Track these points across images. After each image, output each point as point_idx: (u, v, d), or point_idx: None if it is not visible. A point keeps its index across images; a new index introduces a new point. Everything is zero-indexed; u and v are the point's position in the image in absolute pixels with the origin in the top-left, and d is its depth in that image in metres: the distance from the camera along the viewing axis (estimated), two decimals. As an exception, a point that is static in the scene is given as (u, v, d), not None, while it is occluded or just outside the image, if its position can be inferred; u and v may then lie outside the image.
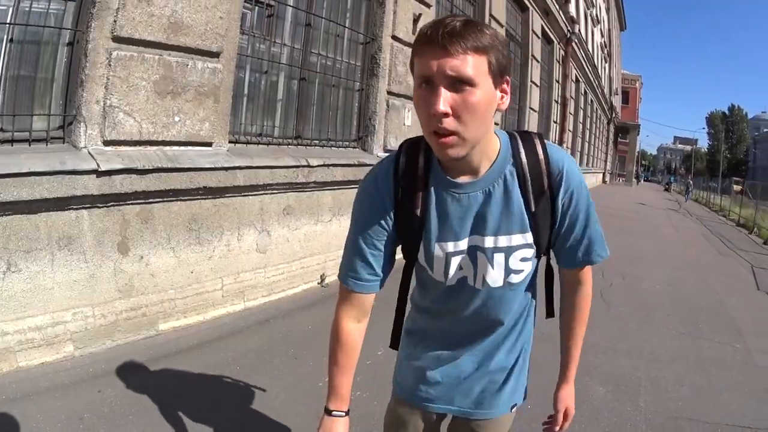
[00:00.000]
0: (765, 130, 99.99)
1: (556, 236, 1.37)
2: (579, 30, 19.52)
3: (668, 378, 4.47)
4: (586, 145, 30.31)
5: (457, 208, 1.28)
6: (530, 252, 1.33)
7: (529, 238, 1.30)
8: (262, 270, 4.74)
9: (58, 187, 3.19)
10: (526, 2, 13.28)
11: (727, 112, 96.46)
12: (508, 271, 1.33)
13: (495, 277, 1.33)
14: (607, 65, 38.96)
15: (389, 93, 6.69)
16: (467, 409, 1.57)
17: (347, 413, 1.41)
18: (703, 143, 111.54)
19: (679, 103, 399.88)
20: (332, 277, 5.59)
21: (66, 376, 3.22)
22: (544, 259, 1.45)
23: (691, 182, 43.22)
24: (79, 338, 3.44)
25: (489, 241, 1.29)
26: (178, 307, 4.05)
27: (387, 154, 4.79)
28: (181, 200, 3.95)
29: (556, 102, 17.98)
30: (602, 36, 34.86)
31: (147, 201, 3.75)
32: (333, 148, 5.95)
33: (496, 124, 1.84)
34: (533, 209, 1.28)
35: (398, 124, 6.92)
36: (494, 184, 1.26)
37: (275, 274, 4.89)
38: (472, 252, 1.32)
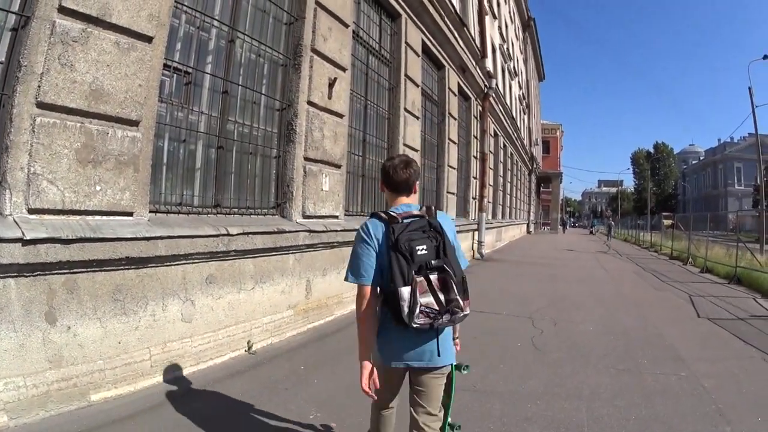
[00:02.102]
0: (693, 162, 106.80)
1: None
2: (496, 84, 20.74)
3: (612, 414, 4.68)
4: (508, 197, 31.67)
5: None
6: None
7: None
8: (188, 339, 4.89)
9: (-16, 255, 3.33)
10: (443, 60, 14.21)
11: (651, 150, 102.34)
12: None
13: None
14: (526, 117, 41.31)
15: (306, 159, 7.01)
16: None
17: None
18: (630, 183, 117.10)
19: (603, 147, 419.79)
20: (260, 344, 5.81)
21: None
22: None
23: (612, 222, 45.70)
24: (12, 408, 3.52)
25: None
26: (108, 377, 4.13)
27: (306, 221, 5.12)
28: (105, 270, 4.08)
29: (475, 158, 18.92)
30: (520, 88, 37.17)
31: (72, 271, 3.88)
32: (252, 215, 6.22)
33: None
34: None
35: (316, 189, 7.22)
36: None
37: (202, 343, 5.04)
38: None
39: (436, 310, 2.50)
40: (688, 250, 21.43)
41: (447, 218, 2.91)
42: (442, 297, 2.52)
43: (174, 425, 3.86)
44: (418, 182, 2.91)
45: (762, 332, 8.16)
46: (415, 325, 2.48)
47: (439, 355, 2.69)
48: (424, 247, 2.58)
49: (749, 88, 26.99)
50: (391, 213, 2.72)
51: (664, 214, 46.13)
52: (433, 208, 2.80)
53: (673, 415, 4.70)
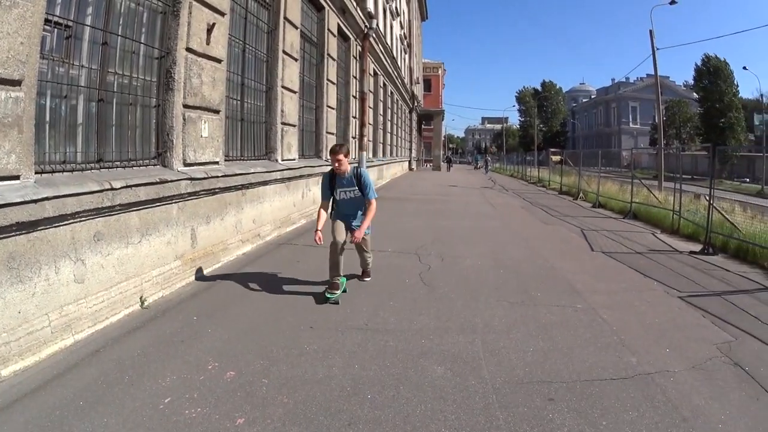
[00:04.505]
0: (584, 100, 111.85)
1: (362, 191, 6.82)
2: (377, 24, 20.98)
3: (509, 347, 4.93)
4: (389, 136, 32.28)
5: (341, 181, 6.78)
6: (357, 191, 6.82)
7: (356, 188, 6.81)
8: (83, 300, 5.00)
9: None
10: (323, 2, 14.35)
11: (539, 88, 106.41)
12: (354, 194, 6.87)
13: (351, 195, 6.86)
14: (407, 56, 41.93)
15: (185, 106, 7.14)
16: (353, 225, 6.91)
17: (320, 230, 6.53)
18: (515, 121, 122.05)
19: (488, 87, 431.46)
20: (151, 298, 6.07)
21: None
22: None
23: (488, 157, 48.48)
24: None
25: (348, 188, 6.84)
26: (14, 350, 4.19)
27: (188, 168, 5.59)
28: None
29: (355, 97, 19.30)
30: (402, 28, 37.49)
31: None
32: (135, 168, 6.32)
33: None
34: (356, 183, 6.77)
35: (196, 136, 7.41)
36: (348, 177, 6.77)
37: (96, 303, 5.19)
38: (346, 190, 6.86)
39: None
40: (578, 186, 22.35)
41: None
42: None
43: (82, 389, 3.98)
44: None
45: (662, 266, 8.82)
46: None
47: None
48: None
49: (650, 31, 29.26)
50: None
51: (552, 150, 48.05)
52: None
53: (573, 346, 5.01)
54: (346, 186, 6.74)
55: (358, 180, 6.73)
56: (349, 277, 7.05)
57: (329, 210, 6.93)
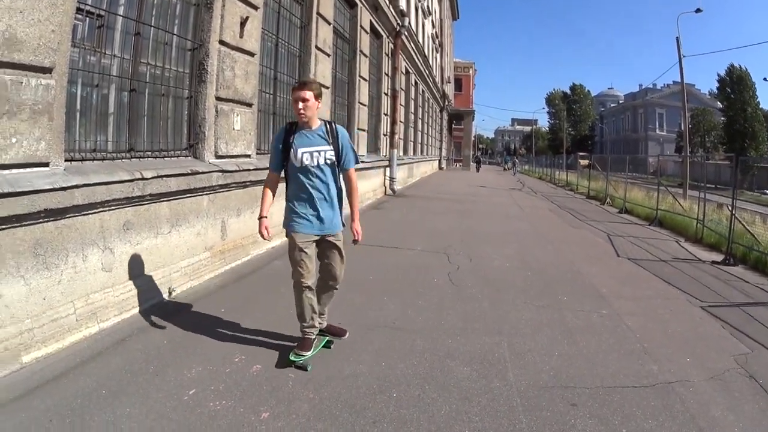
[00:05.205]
0: (612, 105, 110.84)
1: (339, 154, 4.43)
2: (409, 22, 20.84)
3: (534, 350, 4.87)
4: (419, 134, 32.17)
5: (305, 138, 4.35)
6: (331, 152, 4.36)
7: (330, 148, 4.38)
8: (110, 289, 4.97)
9: None
10: (356, -1, 14.17)
11: (568, 91, 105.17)
12: (325, 159, 4.34)
13: (321, 159, 4.32)
14: (438, 55, 41.68)
15: (218, 99, 7.09)
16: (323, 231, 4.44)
17: (267, 218, 4.42)
18: (544, 123, 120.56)
19: (518, 88, 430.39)
20: (179, 289, 6.01)
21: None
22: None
23: (516, 159, 48.48)
24: None
25: (318, 148, 4.34)
26: (37, 336, 4.15)
27: (219, 161, 5.42)
28: (25, 225, 4.04)
29: (386, 95, 19.19)
30: (433, 27, 37.37)
31: None
32: (166, 158, 6.30)
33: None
34: (329, 141, 4.38)
35: (228, 129, 7.35)
36: (318, 132, 4.38)
37: (123, 292, 5.16)
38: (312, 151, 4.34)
39: None
40: (605, 191, 22.14)
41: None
42: None
43: (105, 378, 3.93)
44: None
45: (686, 274, 8.65)
46: None
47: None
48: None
49: (677, 39, 28.45)
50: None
51: (580, 154, 47.77)
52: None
53: (596, 351, 4.92)
54: (313, 144, 4.34)
55: (334, 137, 4.43)
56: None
57: (277, 187, 4.68)
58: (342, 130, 4.55)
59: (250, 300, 5.99)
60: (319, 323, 4.65)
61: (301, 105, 4.26)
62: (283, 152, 4.36)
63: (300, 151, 4.29)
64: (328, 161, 4.35)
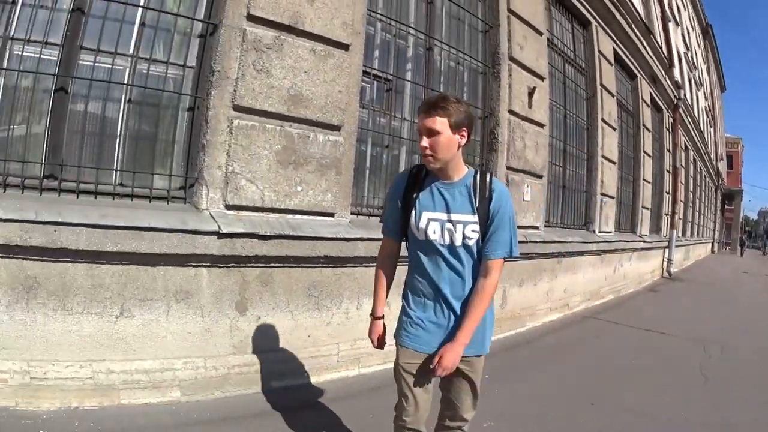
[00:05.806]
0: None
1: (486, 228, 2.20)
2: (684, 95, 18.56)
3: None
4: (696, 214, 28.54)
5: (435, 195, 2.25)
6: (477, 227, 2.19)
7: (474, 218, 2.18)
8: (381, 338, 4.56)
9: (178, 245, 3.39)
10: (634, 70, 12.57)
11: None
12: (464, 236, 2.19)
13: (457, 237, 2.20)
14: (712, 130, 37.12)
15: (508, 168, 6.57)
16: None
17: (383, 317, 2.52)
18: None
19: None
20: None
21: (169, 418, 3.29)
22: None
23: None
24: (187, 386, 3.53)
25: (453, 216, 2.21)
26: (291, 368, 4.12)
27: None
28: (301, 267, 4.06)
29: (668, 172, 16.90)
30: (706, 99, 33.32)
31: (267, 265, 3.89)
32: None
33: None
34: (476, 205, 2.19)
35: (518, 200, 6.60)
36: (459, 187, 2.23)
37: (391, 344, 4.45)
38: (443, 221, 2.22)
39: None
40: None
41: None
42: None
43: (355, 415, 3.66)
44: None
45: None
46: None
47: None
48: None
49: None
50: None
51: None
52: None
53: None
54: (446, 209, 2.22)
55: (486, 202, 2.20)
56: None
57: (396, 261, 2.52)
58: (502, 189, 2.26)
59: (516, 371, 5.18)
60: None
61: (426, 142, 2.14)
62: (403, 211, 2.32)
63: (424, 216, 2.24)
64: (470, 240, 2.21)
